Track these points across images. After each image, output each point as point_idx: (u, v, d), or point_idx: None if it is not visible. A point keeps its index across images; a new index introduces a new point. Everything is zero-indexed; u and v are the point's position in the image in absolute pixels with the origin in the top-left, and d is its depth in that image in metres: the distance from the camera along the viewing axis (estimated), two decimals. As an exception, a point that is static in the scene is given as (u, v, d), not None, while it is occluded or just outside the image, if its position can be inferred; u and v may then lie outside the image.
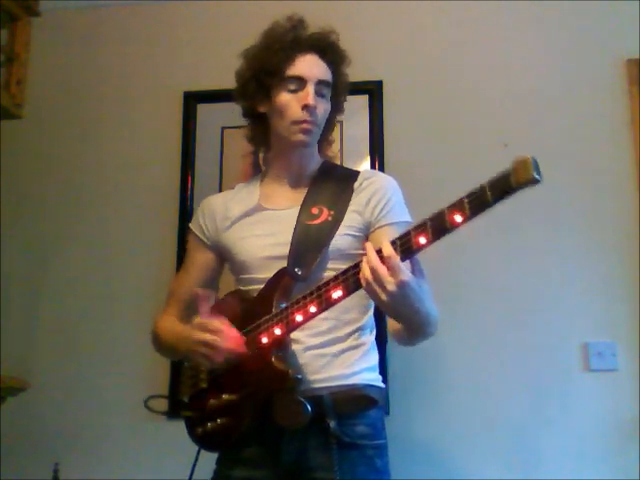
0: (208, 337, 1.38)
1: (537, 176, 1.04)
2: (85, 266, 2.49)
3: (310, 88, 1.51)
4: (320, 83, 1.53)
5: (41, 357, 2.43)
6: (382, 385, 1.52)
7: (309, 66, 1.53)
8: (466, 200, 1.10)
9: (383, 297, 1.18)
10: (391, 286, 1.17)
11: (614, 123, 2.34)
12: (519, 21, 2.49)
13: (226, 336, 1.38)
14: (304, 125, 1.51)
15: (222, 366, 1.40)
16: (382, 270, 1.17)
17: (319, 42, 1.57)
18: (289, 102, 1.52)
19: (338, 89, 1.60)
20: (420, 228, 1.16)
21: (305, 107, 1.50)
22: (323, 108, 1.54)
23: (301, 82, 1.51)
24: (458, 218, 1.11)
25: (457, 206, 1.11)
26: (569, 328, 2.22)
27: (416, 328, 1.34)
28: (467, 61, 2.48)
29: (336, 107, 1.63)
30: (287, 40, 1.54)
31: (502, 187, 1.06)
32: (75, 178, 2.58)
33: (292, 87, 1.52)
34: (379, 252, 1.19)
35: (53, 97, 2.65)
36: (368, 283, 1.19)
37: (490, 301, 2.26)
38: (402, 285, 1.17)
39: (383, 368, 2.08)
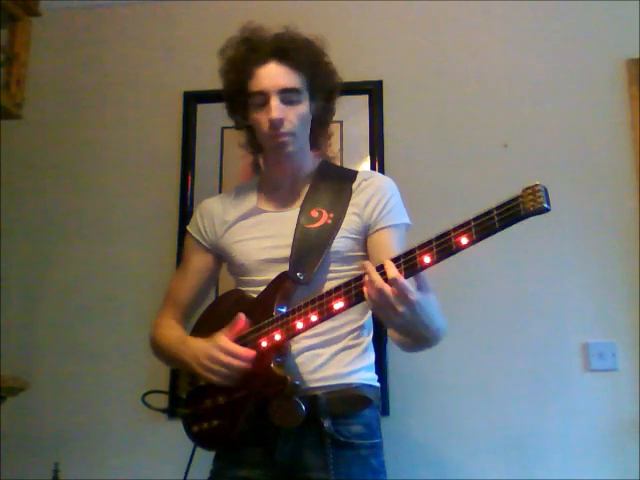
0: (228, 360, 1.36)
1: (547, 205, 1.04)
2: (85, 266, 2.49)
3: (273, 101, 1.47)
4: (284, 91, 1.48)
5: (41, 357, 2.43)
6: (377, 384, 1.51)
7: (268, 77, 1.48)
8: (473, 223, 1.10)
9: (395, 319, 1.18)
10: (401, 307, 1.16)
11: (614, 123, 2.34)
12: (519, 21, 2.49)
13: (244, 361, 1.36)
14: (276, 139, 1.50)
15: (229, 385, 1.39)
16: (389, 291, 1.16)
17: (276, 47, 1.50)
18: (259, 118, 1.50)
19: (317, 85, 1.54)
20: (425, 247, 1.16)
21: (270, 122, 1.47)
22: (295, 114, 1.49)
23: (264, 96, 1.48)
24: (464, 240, 1.11)
25: (463, 228, 1.11)
26: (569, 328, 2.22)
27: (424, 342, 1.33)
28: (467, 61, 2.47)
29: (325, 102, 1.58)
30: (242, 55, 1.50)
31: (510, 214, 1.07)
32: (75, 178, 2.57)
33: (257, 102, 1.49)
34: (380, 270, 1.18)
35: (53, 97, 2.65)
36: (378, 307, 1.18)
37: (490, 301, 2.26)
38: (413, 305, 1.17)
39: (383, 368, 2.10)
